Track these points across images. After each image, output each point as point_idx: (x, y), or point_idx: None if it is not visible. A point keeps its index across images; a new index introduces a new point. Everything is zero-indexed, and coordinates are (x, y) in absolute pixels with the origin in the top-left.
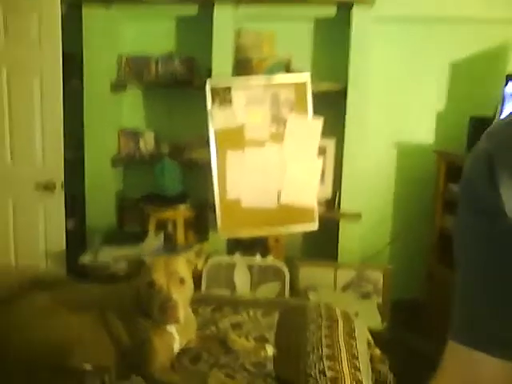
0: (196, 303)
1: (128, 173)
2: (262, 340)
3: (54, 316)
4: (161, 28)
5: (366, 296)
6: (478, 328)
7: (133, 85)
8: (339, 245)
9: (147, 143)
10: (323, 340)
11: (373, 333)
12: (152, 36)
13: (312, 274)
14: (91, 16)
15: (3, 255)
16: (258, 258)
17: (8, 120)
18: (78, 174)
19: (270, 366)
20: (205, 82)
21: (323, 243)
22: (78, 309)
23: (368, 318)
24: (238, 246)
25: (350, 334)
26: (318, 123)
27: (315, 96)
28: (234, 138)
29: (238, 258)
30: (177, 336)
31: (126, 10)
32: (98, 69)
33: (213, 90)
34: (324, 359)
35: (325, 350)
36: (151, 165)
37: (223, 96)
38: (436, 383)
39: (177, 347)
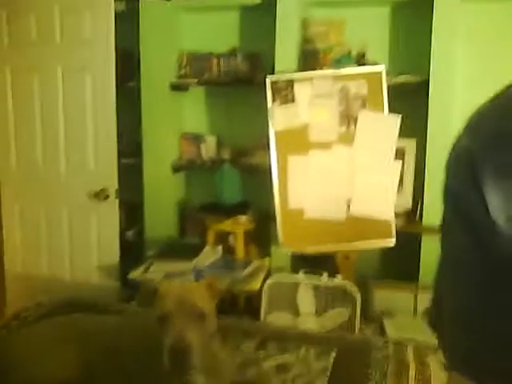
0: (239, 338)
1: (190, 180)
2: None
3: (57, 350)
4: (222, 21)
5: None
6: (479, 362)
7: (194, 84)
8: (421, 264)
9: (209, 148)
10: None
11: None
12: (213, 30)
13: (388, 297)
14: (149, 9)
15: (58, 267)
16: (324, 278)
17: (63, 124)
18: (137, 181)
19: None
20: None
21: (402, 261)
22: (87, 344)
23: None
24: (304, 262)
25: None
26: (395, 120)
27: (391, 90)
28: (297, 140)
29: (301, 276)
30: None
31: (186, 1)
32: (157, 67)
33: (273, 87)
34: None
35: None
36: (213, 171)
37: (285, 93)
38: None
39: None
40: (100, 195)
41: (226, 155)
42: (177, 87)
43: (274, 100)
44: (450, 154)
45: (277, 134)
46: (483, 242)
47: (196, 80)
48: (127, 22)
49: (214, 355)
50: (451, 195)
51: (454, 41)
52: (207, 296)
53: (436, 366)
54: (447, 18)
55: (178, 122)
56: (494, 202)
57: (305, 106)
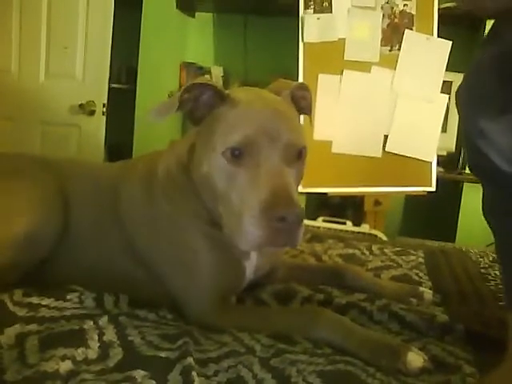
0: None
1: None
2: (405, 280)
3: None
4: None
5: None
6: None
7: (203, 6)
8: (459, 220)
9: (214, 81)
10: None
11: None
12: None
13: None
14: None
15: None
16: (348, 226)
17: (46, 28)
18: (127, 112)
19: (440, 317)
20: (292, 4)
21: (437, 215)
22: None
23: None
24: (323, 208)
25: None
26: (446, 46)
27: (442, 14)
28: (330, 57)
29: (321, 223)
30: (254, 254)
31: None
32: None
33: None
34: None
35: None
36: None
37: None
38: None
39: (251, 271)
40: (85, 108)
41: None
42: (184, 4)
43: (306, 7)
44: None
45: (307, 47)
46: None
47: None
48: None
49: None
50: None
51: None
52: (298, 117)
53: None
54: None
55: (181, 48)
56: None
57: (343, 18)
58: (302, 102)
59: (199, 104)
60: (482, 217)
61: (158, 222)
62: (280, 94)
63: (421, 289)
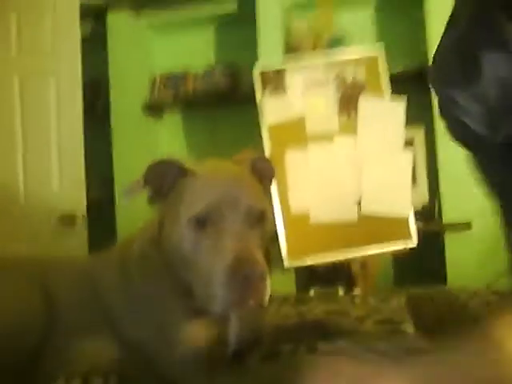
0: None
1: None
2: (387, 322)
3: None
4: (197, 35)
5: None
6: None
7: (170, 108)
8: (447, 270)
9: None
10: None
11: None
12: (188, 46)
13: None
14: (117, 27)
15: None
16: (340, 293)
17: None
18: (106, 217)
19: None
20: (251, 92)
21: (425, 267)
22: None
23: None
24: (314, 279)
25: None
26: (401, 104)
27: (392, 77)
28: (293, 134)
29: (313, 294)
30: (233, 320)
31: (156, 17)
32: (128, 91)
33: (262, 76)
34: None
35: None
36: None
37: (275, 82)
38: None
39: (233, 336)
40: (65, 220)
41: None
42: (151, 111)
43: (263, 91)
44: None
45: (270, 128)
46: None
47: (172, 102)
48: (93, 43)
49: None
50: None
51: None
52: (259, 184)
53: None
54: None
55: (153, 150)
56: None
57: (298, 96)
58: (263, 173)
59: (164, 180)
60: (469, 264)
61: (136, 302)
62: (242, 164)
63: (403, 326)
